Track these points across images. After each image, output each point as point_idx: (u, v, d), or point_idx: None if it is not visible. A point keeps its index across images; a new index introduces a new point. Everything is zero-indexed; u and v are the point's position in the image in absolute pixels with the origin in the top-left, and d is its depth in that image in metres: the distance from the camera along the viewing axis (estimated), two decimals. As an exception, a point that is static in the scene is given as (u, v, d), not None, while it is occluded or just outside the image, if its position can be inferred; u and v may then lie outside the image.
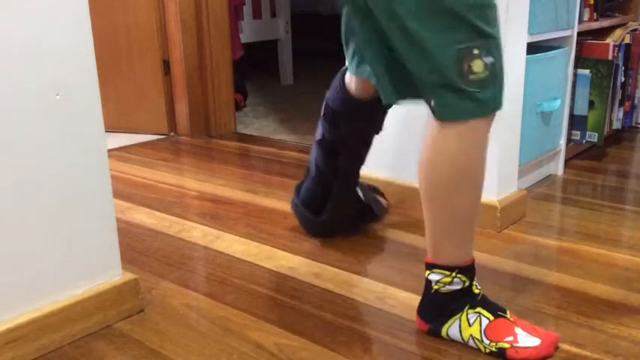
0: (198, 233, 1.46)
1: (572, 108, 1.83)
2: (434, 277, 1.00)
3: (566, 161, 1.86)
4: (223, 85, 2.43)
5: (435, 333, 1.01)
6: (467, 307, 0.99)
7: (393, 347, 1.00)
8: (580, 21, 1.73)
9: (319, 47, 4.44)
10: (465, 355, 0.96)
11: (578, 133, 1.87)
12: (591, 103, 1.83)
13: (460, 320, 0.99)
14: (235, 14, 2.93)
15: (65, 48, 0.96)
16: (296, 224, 1.48)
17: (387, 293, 1.16)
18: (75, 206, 1.02)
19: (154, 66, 2.35)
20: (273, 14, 3.45)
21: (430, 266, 1.00)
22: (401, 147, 1.59)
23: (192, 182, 1.86)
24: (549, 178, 1.80)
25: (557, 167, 1.83)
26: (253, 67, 3.91)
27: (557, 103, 1.67)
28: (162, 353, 0.99)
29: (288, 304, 1.13)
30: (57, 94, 0.96)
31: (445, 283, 0.99)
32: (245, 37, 3.17)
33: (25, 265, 0.97)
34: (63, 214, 1.00)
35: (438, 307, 1.01)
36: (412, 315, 1.08)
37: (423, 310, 1.03)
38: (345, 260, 1.31)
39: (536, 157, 1.68)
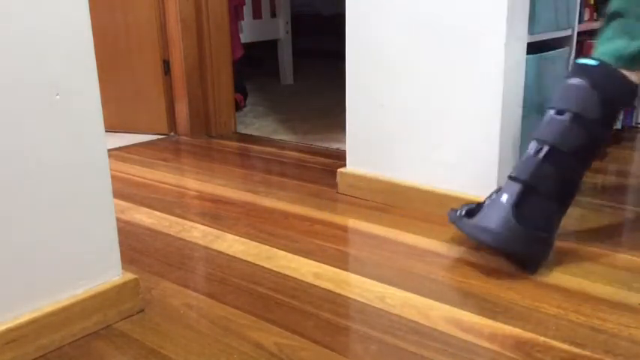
0: (198, 233, 1.46)
1: (572, 108, 1.83)
2: None
3: (566, 161, 1.86)
4: (223, 85, 2.43)
5: None
6: None
7: (393, 348, 1.00)
8: (580, 21, 1.74)
9: (319, 47, 4.45)
10: (464, 355, 0.97)
11: (578, 133, 1.86)
12: (591, 103, 1.83)
13: None
14: (235, 14, 2.94)
15: (65, 48, 0.96)
16: (296, 224, 1.48)
17: (387, 293, 1.16)
18: (75, 206, 1.02)
19: (154, 66, 2.36)
20: (273, 14, 3.45)
21: None
22: (399, 145, 1.59)
23: (193, 182, 1.86)
24: (549, 178, 1.80)
25: (557, 167, 1.83)
26: (253, 67, 3.91)
27: (557, 103, 1.67)
28: (162, 353, 0.99)
29: (288, 304, 1.13)
30: (57, 94, 0.96)
31: None
32: (245, 37, 3.17)
33: (24, 265, 0.97)
34: (62, 214, 1.00)
35: None
36: (412, 315, 1.08)
37: None
38: (345, 260, 1.31)
39: (536, 157, 1.68)
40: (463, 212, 1.30)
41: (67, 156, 0.99)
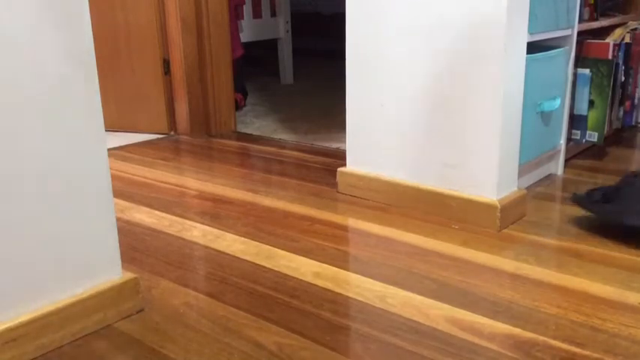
0: (198, 232, 1.46)
1: (572, 107, 1.83)
2: None
3: (566, 161, 1.86)
4: (223, 84, 2.43)
5: None
6: None
7: (393, 347, 1.00)
8: (580, 20, 1.74)
9: (319, 47, 4.45)
10: (464, 354, 0.97)
11: (578, 132, 1.87)
12: (591, 103, 1.83)
13: None
14: (235, 14, 2.93)
15: (65, 47, 0.96)
16: (296, 223, 1.48)
17: (387, 293, 1.16)
18: (75, 206, 1.02)
19: (154, 65, 2.36)
20: (273, 13, 3.45)
21: None
22: (399, 145, 1.59)
23: (193, 181, 1.86)
24: (549, 178, 1.80)
25: (557, 167, 1.83)
26: (253, 66, 3.91)
27: (557, 102, 1.67)
28: (162, 353, 0.99)
29: (288, 304, 1.13)
30: (57, 94, 0.96)
31: None
32: (245, 37, 3.17)
33: (24, 264, 0.97)
34: (63, 214, 1.00)
35: None
36: (412, 314, 1.08)
37: None
38: (345, 260, 1.31)
39: (536, 157, 1.68)
40: (598, 198, 1.33)
41: (67, 156, 0.99)
